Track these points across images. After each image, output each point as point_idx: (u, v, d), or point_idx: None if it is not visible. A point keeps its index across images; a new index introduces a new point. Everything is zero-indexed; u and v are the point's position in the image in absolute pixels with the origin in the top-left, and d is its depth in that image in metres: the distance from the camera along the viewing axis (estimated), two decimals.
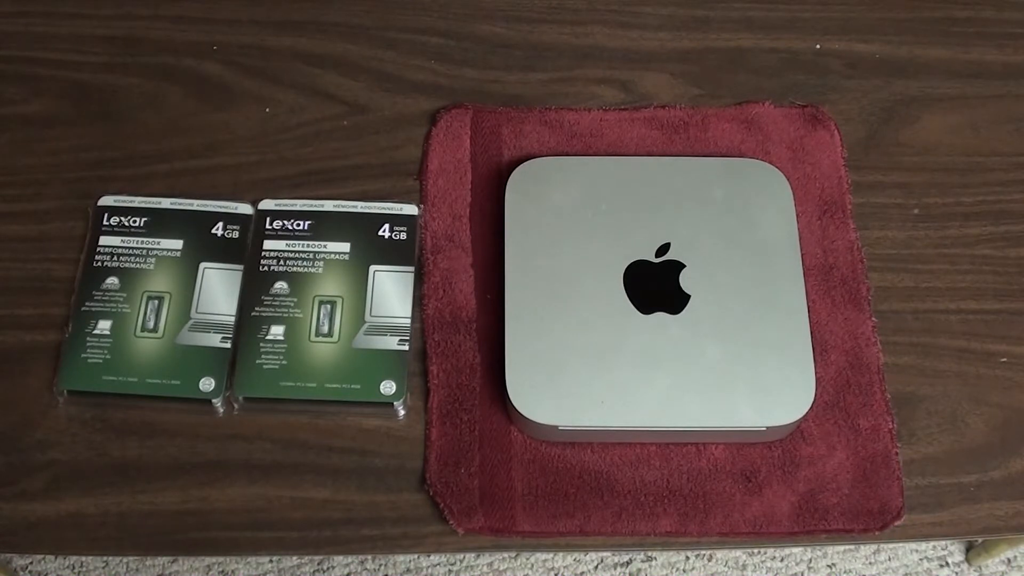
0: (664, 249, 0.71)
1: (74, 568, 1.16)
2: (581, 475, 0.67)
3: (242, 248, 0.73)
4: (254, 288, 0.72)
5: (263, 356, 0.69)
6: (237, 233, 0.74)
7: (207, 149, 0.78)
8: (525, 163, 0.74)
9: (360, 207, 0.75)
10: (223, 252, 0.73)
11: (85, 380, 0.69)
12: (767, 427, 0.66)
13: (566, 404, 0.65)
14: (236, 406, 0.69)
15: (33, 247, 0.74)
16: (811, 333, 0.68)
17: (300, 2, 0.85)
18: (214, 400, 0.69)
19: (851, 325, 0.72)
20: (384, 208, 0.75)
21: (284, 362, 0.69)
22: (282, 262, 0.73)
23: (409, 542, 0.66)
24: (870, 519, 0.67)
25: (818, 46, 0.84)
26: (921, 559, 1.18)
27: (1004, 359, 0.72)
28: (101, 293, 0.71)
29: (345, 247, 0.73)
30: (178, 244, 0.73)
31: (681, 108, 0.80)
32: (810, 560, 1.17)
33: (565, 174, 0.74)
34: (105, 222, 0.74)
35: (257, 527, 0.66)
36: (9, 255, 0.74)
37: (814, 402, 0.66)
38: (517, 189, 0.73)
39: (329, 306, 0.71)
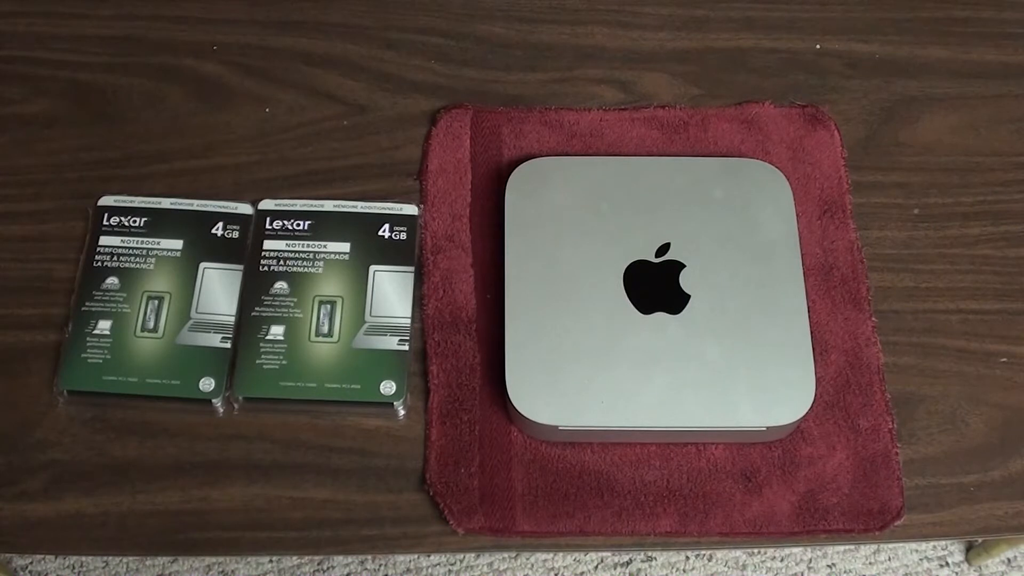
0: (664, 249, 0.71)
1: (74, 568, 1.16)
2: (581, 475, 0.67)
3: (242, 248, 0.73)
4: (254, 288, 0.72)
5: (263, 356, 0.69)
6: (237, 233, 0.74)
7: (207, 149, 0.78)
8: (525, 163, 0.74)
9: (360, 207, 0.75)
10: (223, 252, 0.73)
11: (85, 380, 0.69)
12: (767, 427, 0.66)
13: (566, 404, 0.65)
14: (236, 406, 0.69)
15: (33, 247, 0.74)
16: (811, 333, 0.68)
17: (300, 2, 0.85)
18: (214, 400, 0.69)
19: (851, 325, 0.72)
20: (384, 208, 0.75)
21: (284, 362, 0.69)
22: (282, 262, 0.73)
23: (409, 542, 0.66)
24: (870, 519, 0.67)
25: (818, 46, 0.84)
26: (921, 559, 1.18)
27: (1004, 359, 0.72)
28: (101, 293, 0.71)
29: (345, 247, 0.73)
30: (178, 244, 0.73)
31: (681, 108, 0.80)
32: (810, 560, 1.17)
33: (565, 174, 0.73)
34: (105, 222, 0.74)
35: (257, 527, 0.66)
36: (9, 255, 0.74)
37: (814, 402, 0.66)
38: (517, 189, 0.73)
39: (329, 306, 0.71)
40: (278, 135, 0.79)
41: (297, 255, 0.73)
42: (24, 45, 0.83)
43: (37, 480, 0.67)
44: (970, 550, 1.18)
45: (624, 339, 0.67)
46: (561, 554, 1.16)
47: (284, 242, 0.74)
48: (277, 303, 0.71)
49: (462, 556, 1.16)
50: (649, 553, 1.16)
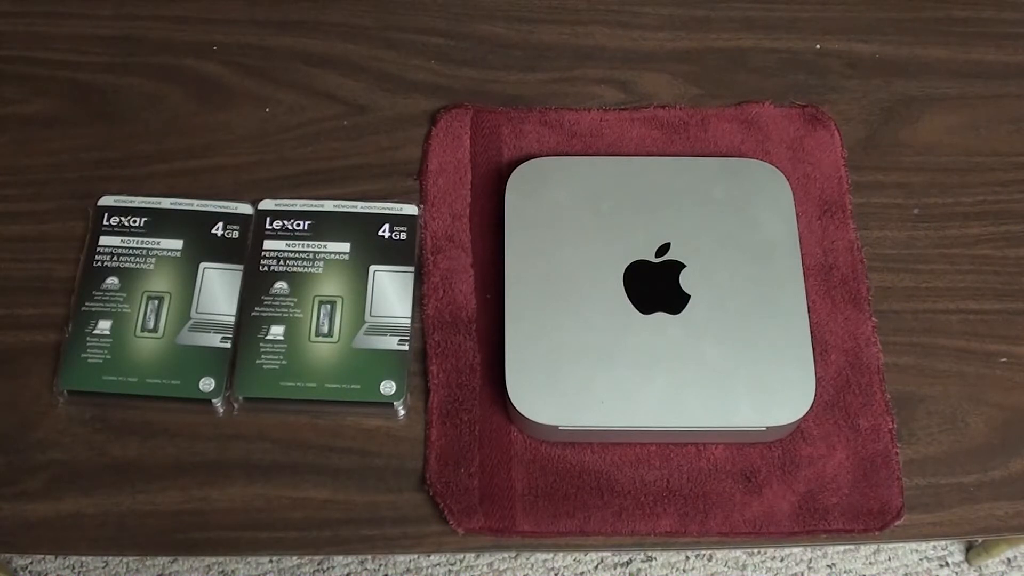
0: (664, 249, 0.71)
1: (74, 568, 1.16)
2: (581, 475, 0.67)
3: (242, 248, 0.73)
4: (254, 288, 0.72)
5: (263, 356, 0.69)
6: (237, 233, 0.74)
7: (207, 149, 0.78)
8: (525, 163, 0.74)
9: (360, 207, 0.75)
10: (223, 252, 0.73)
11: (85, 380, 0.69)
12: (767, 427, 0.66)
13: (566, 404, 0.65)
14: (236, 406, 0.69)
15: (33, 247, 0.74)
16: (811, 333, 0.68)
17: (300, 2, 0.85)
18: (214, 400, 0.69)
19: (851, 325, 0.72)
20: (384, 208, 0.75)
21: (284, 362, 0.69)
22: (282, 262, 0.73)
23: (409, 542, 0.66)
24: (870, 519, 0.67)
25: (818, 46, 0.84)
26: (921, 559, 1.18)
27: (1004, 359, 0.72)
28: (101, 293, 0.71)
29: (345, 247, 0.73)
30: (178, 244, 0.73)
31: (681, 108, 0.80)
32: (810, 560, 1.17)
33: (565, 174, 0.74)
34: (105, 222, 0.74)
35: (257, 527, 0.66)
36: (9, 255, 0.74)
37: (814, 402, 0.66)
38: (517, 189, 0.73)
39: (329, 306, 0.71)
40: (278, 135, 0.79)
41: (297, 255, 0.73)
42: (24, 45, 0.83)
43: (37, 480, 0.67)
44: (970, 550, 1.18)
45: (624, 339, 0.67)
46: (561, 554, 1.16)
47: (284, 242, 0.74)
48: (277, 303, 0.71)
49: (462, 556, 1.16)
50: (649, 553, 1.16)
